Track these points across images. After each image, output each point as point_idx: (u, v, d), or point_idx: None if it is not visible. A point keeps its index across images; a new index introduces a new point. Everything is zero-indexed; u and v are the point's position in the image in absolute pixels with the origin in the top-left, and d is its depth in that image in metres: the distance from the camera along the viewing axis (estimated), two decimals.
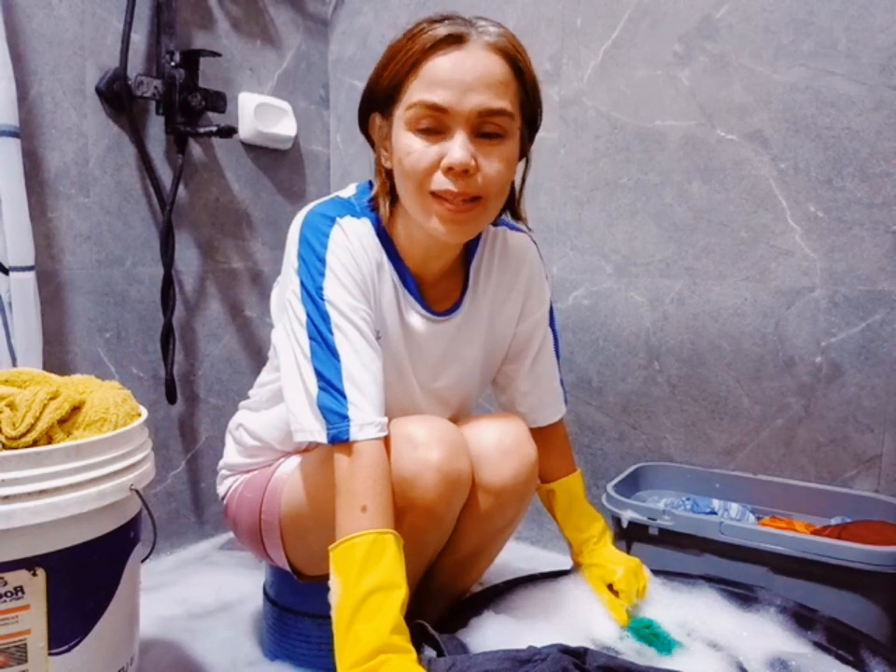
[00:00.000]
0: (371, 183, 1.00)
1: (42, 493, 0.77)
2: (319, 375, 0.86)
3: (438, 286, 1.01)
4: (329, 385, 0.85)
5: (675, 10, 1.42)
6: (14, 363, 1.20)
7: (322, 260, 0.89)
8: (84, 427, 0.87)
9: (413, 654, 0.78)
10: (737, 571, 1.14)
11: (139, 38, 1.44)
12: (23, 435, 0.81)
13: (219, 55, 1.53)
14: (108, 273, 1.44)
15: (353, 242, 0.91)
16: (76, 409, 0.87)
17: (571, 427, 1.58)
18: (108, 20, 1.39)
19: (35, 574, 0.78)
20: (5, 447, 0.80)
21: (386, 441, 0.88)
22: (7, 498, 0.75)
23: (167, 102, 1.45)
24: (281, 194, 1.79)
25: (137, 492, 0.89)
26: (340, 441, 0.84)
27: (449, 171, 0.84)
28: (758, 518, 1.33)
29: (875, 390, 1.28)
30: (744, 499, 1.37)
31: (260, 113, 1.66)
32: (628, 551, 1.26)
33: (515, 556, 1.52)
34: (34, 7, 1.29)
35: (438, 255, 0.97)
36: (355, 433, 0.84)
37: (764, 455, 1.39)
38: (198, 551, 1.63)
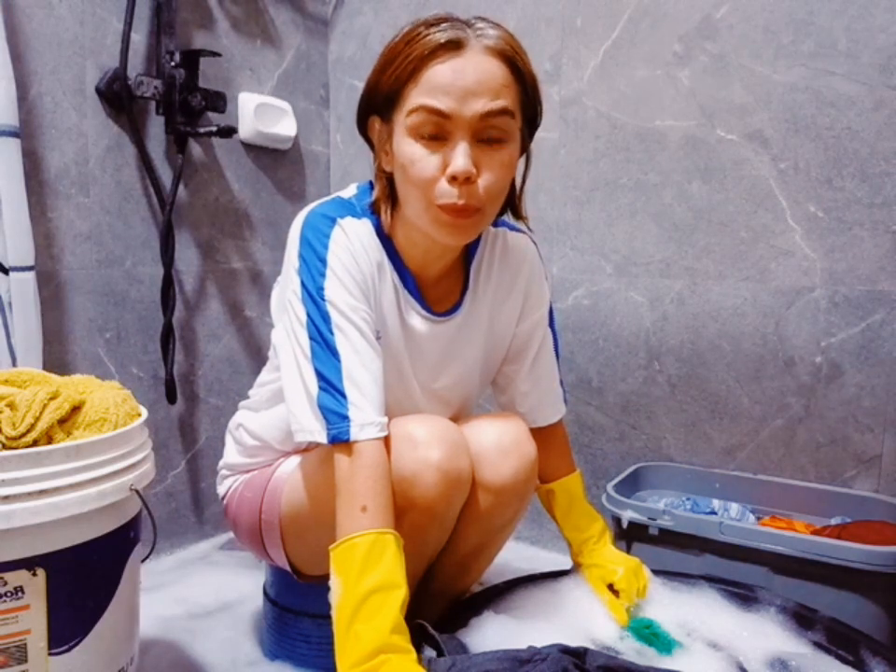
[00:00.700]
0: (371, 183, 0.99)
1: (42, 493, 0.77)
2: (320, 375, 0.86)
3: (438, 286, 1.01)
4: (330, 386, 0.85)
5: (675, 10, 1.42)
6: (14, 363, 1.20)
7: (323, 261, 0.89)
8: (84, 427, 0.87)
9: (414, 654, 0.78)
10: (737, 571, 1.14)
11: (139, 38, 1.44)
12: (23, 435, 0.81)
13: (219, 55, 1.53)
14: (108, 273, 1.44)
15: (354, 242, 0.91)
16: (76, 409, 0.87)
17: (571, 427, 1.58)
18: (108, 20, 1.39)
19: (34, 574, 0.78)
20: (5, 447, 0.80)
21: (386, 440, 0.88)
22: (7, 498, 0.75)
23: (167, 102, 1.45)
24: (281, 194, 1.79)
25: (137, 492, 0.89)
26: (340, 441, 0.84)
27: (453, 179, 0.85)
28: (758, 518, 1.33)
29: (874, 390, 1.28)
30: (744, 499, 1.37)
31: (260, 113, 1.66)
32: (628, 551, 1.26)
33: (515, 556, 1.52)
34: (34, 7, 1.29)
35: (439, 256, 0.98)
36: (355, 433, 0.84)
37: (764, 455, 1.39)
38: (198, 551, 1.62)
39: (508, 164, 0.89)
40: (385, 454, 0.87)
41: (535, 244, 1.11)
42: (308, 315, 0.88)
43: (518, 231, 1.09)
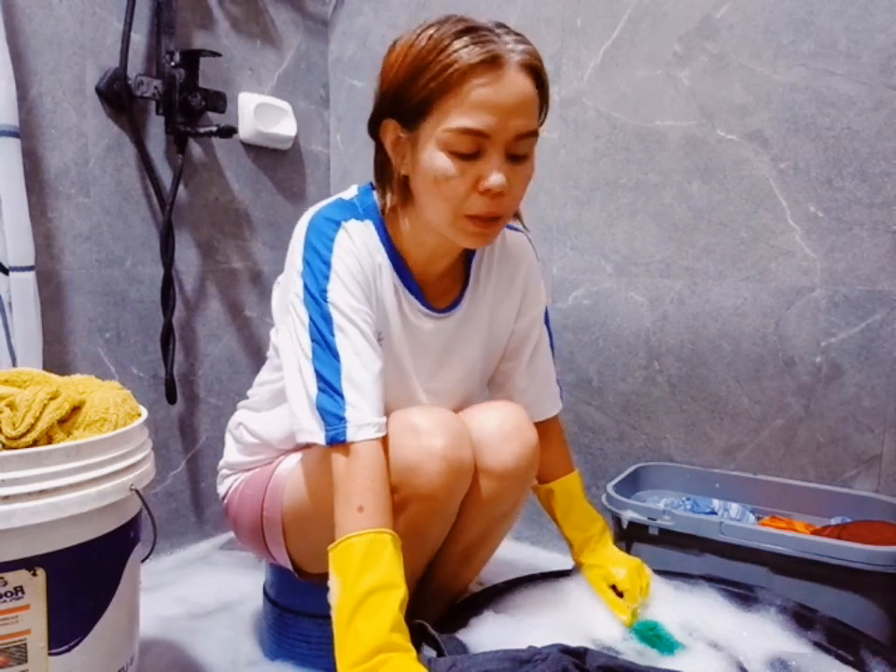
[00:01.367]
0: (371, 185, 1.00)
1: (42, 493, 0.77)
2: (319, 377, 0.87)
3: (439, 282, 1.02)
4: (328, 387, 0.86)
5: (675, 10, 1.42)
6: (14, 363, 1.20)
7: (327, 263, 0.90)
8: (84, 427, 0.87)
9: (413, 653, 0.78)
10: (737, 571, 1.14)
11: (139, 38, 1.44)
12: (23, 435, 0.81)
13: (219, 55, 1.53)
14: (108, 272, 1.44)
15: (358, 246, 0.92)
16: (76, 409, 0.87)
17: (571, 427, 1.58)
18: (108, 20, 1.39)
19: (34, 574, 0.78)
20: (5, 447, 0.80)
21: (385, 440, 0.89)
22: (7, 498, 0.75)
23: (167, 102, 1.45)
24: (281, 194, 1.79)
25: (137, 492, 0.89)
26: (337, 442, 0.85)
27: (486, 192, 0.87)
28: (758, 518, 1.33)
29: (875, 390, 1.28)
30: (744, 499, 1.37)
31: (260, 113, 1.66)
32: (628, 551, 1.25)
33: (515, 556, 1.52)
34: (34, 7, 1.29)
35: (445, 254, 1.00)
36: (351, 434, 0.85)
37: (764, 455, 1.39)
38: (198, 551, 1.62)
39: (529, 178, 0.93)
40: (383, 454, 0.87)
41: (531, 242, 1.12)
42: (310, 317, 0.89)
43: (515, 229, 1.10)
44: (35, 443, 0.81)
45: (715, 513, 1.32)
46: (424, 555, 1.00)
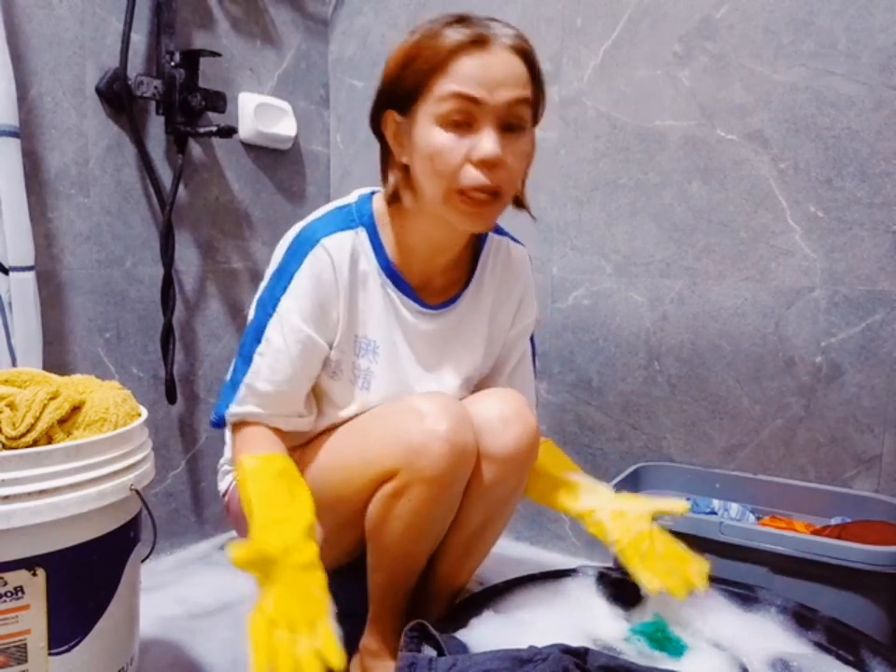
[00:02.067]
0: (373, 193, 1.03)
1: (42, 493, 0.77)
2: (235, 367, 0.99)
3: (439, 280, 1.04)
4: (233, 379, 0.98)
5: (675, 10, 1.42)
6: (14, 363, 1.20)
7: (290, 278, 0.95)
8: (84, 427, 0.87)
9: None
10: (737, 571, 1.14)
11: (139, 38, 1.44)
12: (23, 435, 0.81)
13: (219, 55, 1.53)
14: (108, 272, 1.44)
15: (336, 261, 0.95)
16: (76, 409, 0.87)
17: (571, 427, 1.58)
18: (108, 20, 1.39)
19: (34, 574, 0.78)
20: (5, 447, 0.80)
21: (393, 415, 0.94)
22: (7, 498, 0.75)
23: (167, 102, 1.45)
24: (281, 194, 1.79)
25: (137, 492, 0.89)
26: (220, 419, 0.98)
27: (481, 164, 0.88)
28: (758, 518, 1.33)
29: (874, 390, 1.28)
30: (744, 499, 1.37)
31: (260, 113, 1.66)
32: None
33: (515, 556, 1.52)
34: (34, 7, 1.29)
35: (448, 247, 1.01)
36: (231, 413, 0.96)
37: (764, 455, 1.39)
38: (198, 551, 1.62)
39: (527, 153, 0.94)
40: (270, 430, 0.97)
41: (530, 258, 1.15)
42: (255, 316, 0.99)
43: (519, 243, 1.13)
44: (35, 443, 0.81)
45: (715, 513, 1.32)
46: (427, 543, 0.99)
